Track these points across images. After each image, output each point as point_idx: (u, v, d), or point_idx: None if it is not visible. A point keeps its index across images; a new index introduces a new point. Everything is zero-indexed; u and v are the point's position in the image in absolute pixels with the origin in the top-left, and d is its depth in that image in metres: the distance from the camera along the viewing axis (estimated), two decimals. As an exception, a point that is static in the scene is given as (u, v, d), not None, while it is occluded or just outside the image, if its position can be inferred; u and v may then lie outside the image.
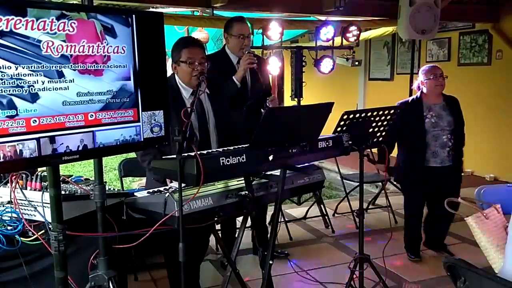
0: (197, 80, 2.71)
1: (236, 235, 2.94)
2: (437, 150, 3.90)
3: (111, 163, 8.17)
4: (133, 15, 1.86)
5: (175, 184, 2.26)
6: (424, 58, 8.22)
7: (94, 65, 1.74)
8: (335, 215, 5.22)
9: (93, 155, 1.87)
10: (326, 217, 4.89)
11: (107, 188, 2.60)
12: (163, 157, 2.29)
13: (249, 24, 3.77)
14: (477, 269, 1.72)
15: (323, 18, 6.14)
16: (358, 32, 5.29)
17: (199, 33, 7.52)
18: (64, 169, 2.14)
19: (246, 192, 2.37)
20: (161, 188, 2.38)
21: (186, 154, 2.07)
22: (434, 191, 3.98)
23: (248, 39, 3.69)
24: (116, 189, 2.62)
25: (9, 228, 2.14)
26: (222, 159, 2.14)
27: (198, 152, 2.03)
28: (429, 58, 8.14)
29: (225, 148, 2.44)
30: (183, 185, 2.05)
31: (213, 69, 3.55)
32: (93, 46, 1.72)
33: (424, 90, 3.97)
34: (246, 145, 2.38)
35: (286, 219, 4.75)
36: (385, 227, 4.73)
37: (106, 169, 7.40)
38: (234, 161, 2.18)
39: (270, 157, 2.31)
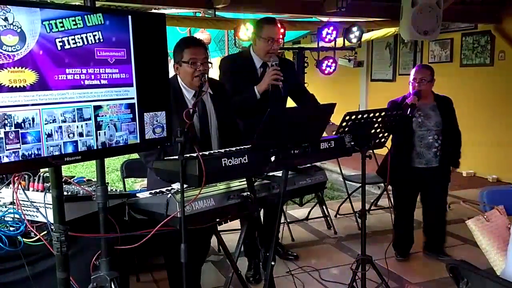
0: (199, 80, 2.69)
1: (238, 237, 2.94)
2: (422, 151, 3.90)
3: (113, 164, 8.18)
4: (130, 16, 1.85)
5: (177, 185, 2.26)
6: (426, 59, 8.21)
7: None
8: (337, 216, 5.22)
9: (95, 156, 1.87)
10: (328, 218, 4.88)
11: (109, 189, 2.61)
12: (165, 158, 2.29)
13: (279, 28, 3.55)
14: (480, 271, 1.72)
15: (325, 19, 6.15)
16: (360, 33, 5.30)
17: (201, 34, 7.55)
18: (66, 170, 2.14)
19: (248, 193, 2.37)
20: (163, 189, 2.38)
21: (188, 155, 2.07)
22: (422, 193, 4.01)
23: (278, 43, 3.49)
24: (118, 190, 2.62)
25: (11, 229, 2.14)
26: (224, 160, 2.14)
27: (200, 153, 2.03)
28: (432, 59, 8.13)
29: (227, 149, 2.44)
30: (185, 186, 2.06)
31: (233, 70, 3.48)
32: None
33: (410, 90, 3.98)
34: (248, 146, 2.38)
35: (288, 220, 4.75)
36: (387, 228, 4.71)
37: (108, 170, 7.42)
38: (236, 162, 2.18)
39: (272, 158, 2.31)
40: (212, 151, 2.45)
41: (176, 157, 2.03)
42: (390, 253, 4.05)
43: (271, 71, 3.37)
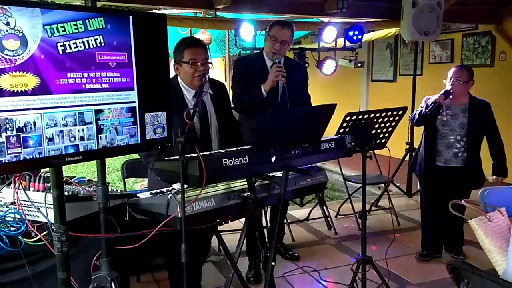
0: (199, 80, 2.69)
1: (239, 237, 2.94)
2: (442, 149, 3.92)
3: (114, 164, 8.18)
4: (131, 17, 1.85)
5: (177, 185, 2.26)
6: (427, 59, 8.21)
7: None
8: (338, 216, 5.22)
9: (96, 156, 1.87)
10: (329, 218, 4.88)
11: (110, 189, 2.61)
12: (166, 158, 2.29)
13: (289, 31, 3.63)
14: (480, 271, 1.72)
15: (326, 19, 6.15)
16: (361, 34, 5.30)
17: (201, 35, 7.55)
18: (67, 170, 2.14)
19: (249, 193, 2.37)
20: (164, 189, 2.38)
21: (188, 156, 2.07)
22: (442, 192, 3.98)
23: (282, 45, 3.56)
24: (119, 190, 2.62)
25: (12, 229, 2.14)
26: (225, 161, 2.14)
27: (201, 154, 2.03)
28: (432, 60, 8.13)
29: (228, 150, 2.44)
30: (185, 186, 2.06)
31: (245, 70, 3.63)
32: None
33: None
34: (249, 147, 2.38)
35: (289, 221, 4.75)
36: (388, 229, 4.72)
37: (109, 170, 7.42)
38: (236, 162, 2.17)
39: (273, 159, 2.31)
40: (212, 152, 2.45)
41: (177, 157, 2.03)
42: (391, 254, 4.05)
43: (273, 68, 3.49)
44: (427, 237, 4.15)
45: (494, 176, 4.11)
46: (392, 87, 8.87)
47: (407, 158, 5.88)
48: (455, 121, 3.90)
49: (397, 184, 5.96)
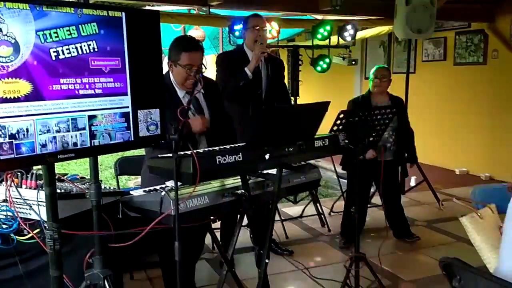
0: (191, 84, 2.69)
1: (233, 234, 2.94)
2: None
3: (107, 161, 8.14)
4: (124, 16, 1.84)
5: (170, 183, 2.26)
6: (420, 57, 8.24)
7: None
8: (331, 214, 5.23)
9: (89, 153, 1.86)
10: (322, 216, 4.89)
11: (102, 187, 2.60)
12: (159, 155, 2.29)
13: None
14: (473, 268, 1.72)
15: (319, 17, 6.16)
16: (355, 32, 5.31)
17: (195, 31, 7.54)
18: (60, 168, 2.13)
19: (243, 191, 2.36)
20: (157, 187, 2.37)
21: (182, 153, 2.07)
22: (380, 184, 4.18)
23: (263, 32, 3.78)
24: (112, 188, 2.61)
25: (4, 226, 2.13)
26: (219, 158, 2.13)
27: (195, 151, 2.02)
28: (425, 58, 8.16)
29: (222, 147, 2.44)
30: (179, 183, 2.05)
31: (229, 66, 3.74)
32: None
33: (370, 88, 4.26)
34: (243, 144, 2.37)
35: (283, 218, 4.75)
36: (381, 225, 4.73)
37: (101, 167, 7.39)
38: (230, 159, 2.17)
39: (267, 156, 2.31)
40: (206, 149, 2.44)
41: (170, 154, 2.02)
42: (384, 251, 4.07)
43: (256, 47, 3.64)
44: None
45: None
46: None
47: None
48: None
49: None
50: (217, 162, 2.13)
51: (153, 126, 1.96)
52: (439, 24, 7.16)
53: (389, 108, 3.21)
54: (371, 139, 3.15)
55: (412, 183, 6.18)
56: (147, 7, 6.19)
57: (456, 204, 2.85)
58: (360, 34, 6.68)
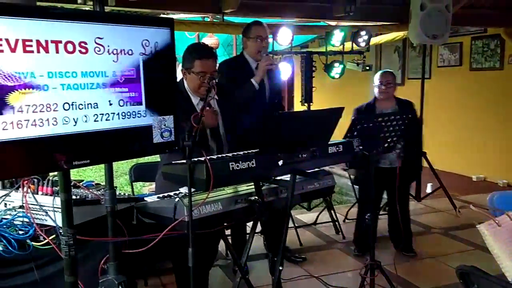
0: (205, 90, 2.71)
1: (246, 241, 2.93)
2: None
3: (122, 168, 8.21)
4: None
5: (184, 189, 2.26)
6: (435, 63, 8.17)
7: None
8: (346, 221, 5.19)
9: (103, 160, 1.88)
10: (337, 223, 4.86)
11: (117, 193, 2.61)
12: (174, 162, 2.29)
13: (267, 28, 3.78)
14: (490, 276, 1.70)
15: (333, 23, 6.15)
16: (369, 37, 5.28)
17: (209, 39, 7.57)
18: (76, 174, 2.16)
19: (256, 197, 2.36)
20: (171, 193, 2.38)
21: (196, 159, 2.07)
22: (388, 192, 4.14)
23: (266, 41, 3.71)
24: (126, 194, 2.63)
25: (20, 232, 2.16)
26: (232, 164, 2.13)
27: (208, 157, 2.03)
28: (441, 63, 8.09)
29: (235, 153, 2.44)
30: (192, 190, 2.06)
31: (231, 75, 3.64)
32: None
33: (376, 95, 4.15)
34: (256, 150, 2.37)
35: (296, 225, 4.73)
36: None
37: (117, 173, 7.44)
38: (243, 166, 2.17)
39: (280, 162, 2.30)
40: (220, 155, 2.45)
41: (184, 161, 2.03)
42: (399, 259, 4.03)
43: (263, 59, 3.60)
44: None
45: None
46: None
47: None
48: None
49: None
50: (230, 169, 2.13)
51: (167, 132, 1.97)
52: (454, 29, 7.10)
53: (395, 114, 3.14)
54: (386, 145, 3.13)
55: (429, 189, 6.11)
56: (162, 15, 6.27)
57: (473, 211, 2.80)
58: (375, 40, 6.65)
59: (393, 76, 4.20)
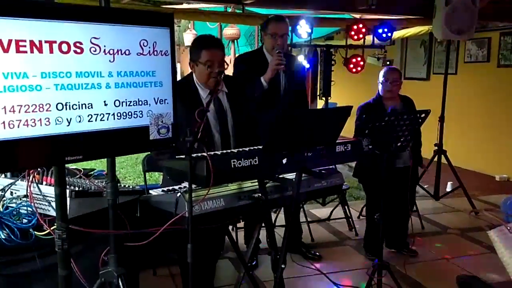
0: (214, 81, 2.69)
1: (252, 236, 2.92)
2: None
3: (141, 156, 8.27)
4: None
5: (187, 184, 2.25)
6: (462, 58, 7.95)
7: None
8: (360, 217, 5.13)
9: (97, 155, 1.88)
10: (350, 219, 4.80)
11: (123, 185, 2.63)
12: (176, 156, 2.29)
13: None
14: (490, 286, 1.64)
15: (357, 15, 6.03)
16: (391, 31, 5.17)
17: (230, 29, 7.55)
18: (87, 163, 2.18)
19: (259, 194, 2.33)
20: (176, 187, 2.38)
21: (199, 155, 2.06)
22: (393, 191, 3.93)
23: (282, 38, 3.62)
24: (131, 186, 2.63)
25: (24, 221, 2.19)
26: (234, 161, 2.11)
27: (212, 153, 2.00)
28: (468, 59, 7.86)
29: (239, 149, 2.41)
30: (194, 185, 2.04)
31: (248, 68, 3.62)
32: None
33: (380, 92, 4.04)
34: (259, 147, 2.35)
35: (310, 220, 4.69)
36: (410, 232, 4.60)
37: (137, 161, 7.47)
38: (246, 163, 2.15)
39: (284, 161, 2.27)
40: (225, 151, 2.43)
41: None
42: (411, 259, 3.97)
43: (273, 57, 3.54)
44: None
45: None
46: (425, 85, 8.60)
47: (435, 160, 5.73)
48: None
49: (425, 186, 5.81)
50: (232, 166, 2.11)
51: (164, 129, 1.96)
52: (483, 24, 6.88)
53: (409, 113, 3.05)
54: (399, 144, 3.05)
55: (448, 188, 5.98)
56: (184, 5, 6.26)
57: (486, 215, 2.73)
58: (400, 33, 6.50)
59: (399, 73, 4.09)
